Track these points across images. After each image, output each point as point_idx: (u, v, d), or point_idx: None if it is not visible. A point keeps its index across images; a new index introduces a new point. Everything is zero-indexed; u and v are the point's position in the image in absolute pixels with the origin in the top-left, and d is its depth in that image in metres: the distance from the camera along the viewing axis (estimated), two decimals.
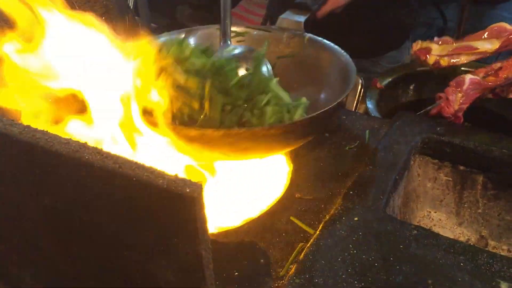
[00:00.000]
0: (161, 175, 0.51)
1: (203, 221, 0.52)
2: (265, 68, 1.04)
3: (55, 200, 0.60)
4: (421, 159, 1.04)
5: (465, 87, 1.03)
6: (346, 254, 0.79)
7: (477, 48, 1.05)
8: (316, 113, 0.86)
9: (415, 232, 0.82)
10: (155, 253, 0.56)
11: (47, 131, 0.57)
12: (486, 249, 0.91)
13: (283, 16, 1.14)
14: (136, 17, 3.37)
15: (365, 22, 1.54)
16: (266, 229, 0.88)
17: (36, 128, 0.57)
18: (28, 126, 0.57)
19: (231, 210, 0.95)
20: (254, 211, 0.92)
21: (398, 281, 0.75)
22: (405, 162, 0.98)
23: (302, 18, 1.12)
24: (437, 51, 1.06)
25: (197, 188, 0.50)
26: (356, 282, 0.75)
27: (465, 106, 1.05)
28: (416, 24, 1.66)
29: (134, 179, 0.52)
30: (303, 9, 1.15)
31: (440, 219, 1.09)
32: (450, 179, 1.04)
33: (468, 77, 1.04)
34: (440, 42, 1.09)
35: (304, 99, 0.94)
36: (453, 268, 0.76)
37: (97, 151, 0.54)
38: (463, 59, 1.10)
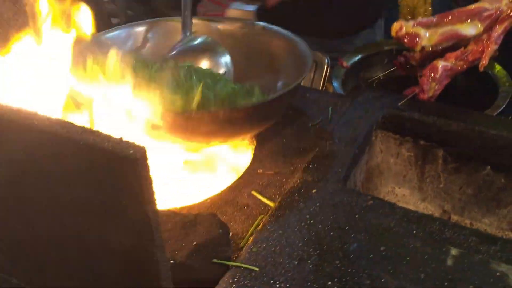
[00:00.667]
0: (107, 138, 0.53)
1: (148, 182, 0.54)
2: (225, 60, 1.07)
3: (11, 170, 0.62)
4: (383, 134, 1.07)
5: (438, 75, 1.06)
6: (302, 224, 0.82)
7: (464, 35, 1.07)
8: (271, 96, 0.89)
9: (371, 202, 0.85)
10: (107, 216, 0.59)
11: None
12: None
13: (232, 6, 1.15)
14: (112, 4, 3.34)
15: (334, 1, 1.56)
16: (228, 203, 0.91)
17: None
18: None
19: (194, 187, 0.98)
20: (218, 187, 0.95)
21: (352, 248, 0.78)
22: (366, 137, 1.02)
23: (252, 8, 1.14)
24: (426, 41, 1.07)
25: (140, 149, 0.52)
26: (311, 250, 0.78)
27: (438, 92, 1.09)
28: (388, 2, 1.68)
29: (81, 143, 0.54)
30: None
31: (404, 195, 1.12)
32: (412, 154, 1.08)
33: (441, 65, 1.06)
34: (423, 25, 1.09)
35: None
36: (406, 236, 0.79)
37: (47, 118, 0.56)
38: (446, 44, 1.12)
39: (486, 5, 1.07)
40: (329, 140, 0.99)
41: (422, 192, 1.11)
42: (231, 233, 0.85)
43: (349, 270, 0.75)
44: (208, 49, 1.10)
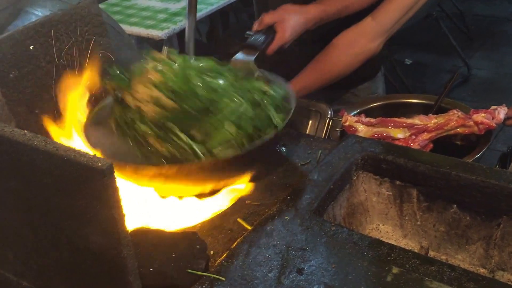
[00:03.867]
0: (84, 154, 0.68)
1: (113, 190, 0.68)
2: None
3: (17, 181, 0.78)
4: (364, 175, 1.17)
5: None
6: (270, 244, 0.93)
7: (393, 136, 1.34)
8: (243, 150, 1.00)
9: (333, 229, 0.95)
10: (85, 220, 0.73)
11: (11, 126, 0.76)
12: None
13: (236, 57, 1.28)
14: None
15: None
16: (215, 227, 1.03)
17: (5, 125, 0.76)
18: None
19: (191, 211, 1.11)
20: (208, 213, 1.08)
21: (308, 265, 0.87)
22: (344, 175, 1.11)
23: (252, 57, 1.28)
24: (362, 134, 1.34)
25: (107, 163, 0.67)
26: (273, 265, 0.88)
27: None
28: (387, 55, 1.79)
29: (65, 158, 0.69)
30: (252, 48, 1.30)
31: (387, 231, 1.20)
32: (391, 193, 1.16)
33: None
34: (363, 123, 1.37)
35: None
36: (357, 256, 0.88)
37: (44, 140, 0.72)
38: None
39: (417, 121, 1.35)
40: (309, 177, 1.10)
41: (403, 229, 1.18)
42: (212, 252, 0.97)
43: (301, 283, 0.84)
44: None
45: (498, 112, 1.33)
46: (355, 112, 1.45)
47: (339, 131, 1.43)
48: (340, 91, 1.65)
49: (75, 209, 0.73)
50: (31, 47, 1.11)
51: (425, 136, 1.34)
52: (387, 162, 1.12)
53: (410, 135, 1.34)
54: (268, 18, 1.36)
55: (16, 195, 0.80)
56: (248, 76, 1.27)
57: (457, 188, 1.04)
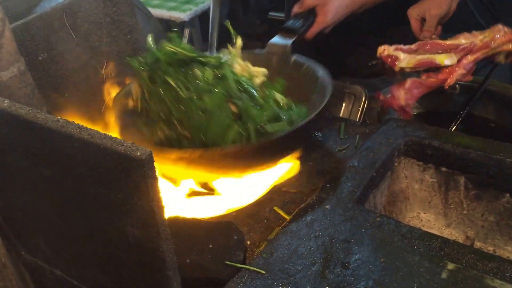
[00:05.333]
0: (121, 142, 0.63)
1: (153, 181, 0.63)
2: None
3: (50, 169, 0.74)
4: (406, 161, 1.10)
5: (407, 86, 1.16)
6: (311, 235, 0.87)
7: (439, 64, 1.16)
8: (286, 130, 0.95)
9: (379, 219, 0.89)
10: (122, 211, 0.68)
11: (44, 112, 0.71)
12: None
13: (272, 40, 1.22)
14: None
15: (369, 41, 1.60)
16: (250, 216, 0.98)
17: (37, 110, 0.71)
18: (32, 109, 0.72)
19: (225, 200, 1.06)
20: (244, 202, 1.03)
21: (354, 259, 0.82)
22: (386, 162, 1.05)
23: (289, 41, 1.20)
24: (404, 63, 1.16)
25: (146, 152, 0.62)
26: (315, 259, 0.83)
27: (411, 102, 1.17)
28: None
29: (102, 146, 0.64)
30: (290, 32, 1.23)
31: (429, 220, 1.14)
32: (435, 180, 1.09)
33: (410, 79, 1.16)
34: (403, 50, 1.20)
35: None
36: (406, 250, 0.82)
37: (78, 126, 0.67)
38: (422, 68, 1.20)
39: (463, 40, 1.17)
40: (349, 163, 1.04)
41: (446, 218, 1.11)
42: (249, 242, 0.92)
43: (348, 277, 0.79)
44: None
45: None
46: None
47: (376, 112, 1.35)
48: (372, 79, 1.56)
49: (111, 200, 0.68)
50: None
51: (470, 58, 1.18)
52: (433, 148, 1.05)
53: (458, 61, 1.17)
54: (309, 1, 1.28)
55: (49, 184, 0.75)
56: (284, 60, 1.21)
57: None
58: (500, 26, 1.21)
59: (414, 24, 1.37)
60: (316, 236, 0.87)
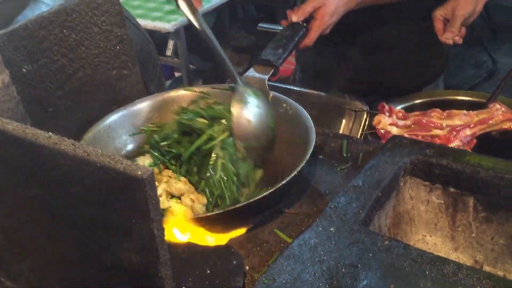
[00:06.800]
0: (120, 161, 0.63)
1: (154, 201, 0.62)
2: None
3: (40, 189, 0.72)
4: (412, 181, 1.11)
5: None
6: (316, 260, 0.87)
7: (431, 135, 1.31)
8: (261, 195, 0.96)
9: (387, 243, 0.89)
10: (119, 234, 0.67)
11: (34, 128, 0.70)
12: None
13: (247, 74, 1.22)
14: (175, 59, 3.56)
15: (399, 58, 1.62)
16: (249, 239, 0.98)
17: (26, 125, 0.70)
18: (20, 124, 0.71)
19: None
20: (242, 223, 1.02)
21: (362, 285, 0.82)
22: (392, 181, 1.06)
23: (266, 75, 1.20)
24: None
25: (147, 171, 0.61)
26: (321, 285, 0.82)
27: None
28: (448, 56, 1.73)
29: (98, 164, 0.63)
30: (266, 65, 1.22)
31: (435, 244, 1.14)
32: (442, 201, 1.10)
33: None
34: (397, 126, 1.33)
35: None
36: (418, 276, 0.82)
37: (72, 143, 0.67)
38: None
39: (457, 121, 1.30)
40: (353, 183, 1.04)
41: (454, 241, 1.12)
42: (247, 267, 0.91)
43: None
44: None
45: None
46: (403, 105, 1.39)
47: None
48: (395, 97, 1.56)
49: (108, 222, 0.67)
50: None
51: (468, 131, 1.29)
52: (441, 167, 1.06)
53: (451, 131, 1.29)
54: (308, 6, 1.28)
55: (38, 204, 0.74)
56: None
57: None
58: (497, 106, 1.31)
59: (437, 25, 1.42)
60: (320, 261, 0.87)
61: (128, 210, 0.64)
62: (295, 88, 1.64)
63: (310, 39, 1.28)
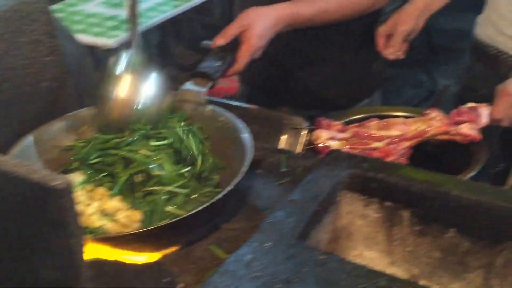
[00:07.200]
0: (36, 171, 0.59)
1: (72, 214, 0.59)
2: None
3: None
4: (349, 195, 1.11)
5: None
6: (251, 276, 0.85)
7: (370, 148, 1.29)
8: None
9: (323, 257, 0.88)
10: (37, 250, 0.63)
11: None
12: None
13: (185, 86, 1.20)
14: None
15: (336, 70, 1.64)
16: (183, 256, 0.95)
17: None
18: None
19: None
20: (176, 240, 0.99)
21: None
22: (329, 196, 1.05)
23: (204, 88, 1.19)
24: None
25: (65, 181, 0.58)
26: None
27: None
28: (383, 72, 1.77)
29: (13, 175, 0.59)
30: (205, 77, 1.21)
31: (373, 258, 1.14)
32: (379, 215, 1.10)
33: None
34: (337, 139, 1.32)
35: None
36: None
37: None
38: None
39: (395, 132, 1.30)
40: (290, 197, 1.03)
41: (391, 256, 1.12)
42: (182, 284, 0.88)
43: None
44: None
45: (480, 115, 1.28)
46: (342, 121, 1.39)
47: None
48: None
49: (23, 237, 0.63)
50: None
51: (404, 144, 1.30)
52: (377, 181, 1.07)
53: (389, 143, 1.30)
54: (232, 28, 1.26)
55: None
56: (199, 109, 1.20)
57: (457, 210, 1.00)
58: (434, 114, 1.30)
59: (380, 40, 1.45)
60: (256, 277, 0.84)
61: (45, 224, 0.60)
62: (236, 103, 1.63)
63: (238, 64, 1.26)
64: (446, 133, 1.30)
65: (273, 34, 1.32)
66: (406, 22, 1.48)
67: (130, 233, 0.92)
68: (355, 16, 1.39)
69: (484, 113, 1.29)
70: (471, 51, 1.74)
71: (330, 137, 1.32)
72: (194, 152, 1.08)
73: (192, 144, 1.08)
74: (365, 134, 1.31)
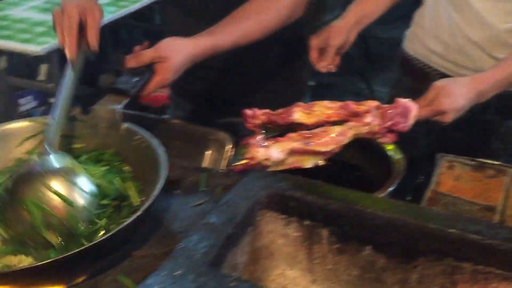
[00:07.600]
0: None
1: None
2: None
3: None
4: (269, 215, 1.09)
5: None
6: None
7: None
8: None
9: (234, 284, 0.85)
10: None
11: None
12: None
13: (96, 105, 1.16)
14: (48, 84, 3.37)
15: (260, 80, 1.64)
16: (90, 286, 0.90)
17: None
18: None
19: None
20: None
21: None
22: (247, 216, 1.03)
23: (118, 105, 1.15)
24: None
25: None
26: None
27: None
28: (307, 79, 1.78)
29: None
30: (121, 94, 1.16)
31: (294, 277, 1.13)
32: (299, 234, 1.09)
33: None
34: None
35: None
36: None
37: None
38: None
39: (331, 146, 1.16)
40: (205, 220, 1.00)
41: (312, 274, 1.11)
42: None
43: None
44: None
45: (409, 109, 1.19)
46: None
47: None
48: None
49: None
50: None
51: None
52: (295, 200, 1.06)
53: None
54: (146, 57, 1.22)
55: None
56: (113, 126, 1.16)
57: (372, 228, 1.00)
58: (369, 118, 1.18)
59: (313, 54, 1.48)
60: None
61: None
62: (160, 117, 1.59)
63: (147, 92, 1.21)
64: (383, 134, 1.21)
65: (188, 67, 1.29)
66: (338, 36, 1.50)
67: (28, 267, 0.86)
68: (275, 29, 1.39)
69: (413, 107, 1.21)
70: (400, 65, 1.77)
71: (265, 157, 1.23)
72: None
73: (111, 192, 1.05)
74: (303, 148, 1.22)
